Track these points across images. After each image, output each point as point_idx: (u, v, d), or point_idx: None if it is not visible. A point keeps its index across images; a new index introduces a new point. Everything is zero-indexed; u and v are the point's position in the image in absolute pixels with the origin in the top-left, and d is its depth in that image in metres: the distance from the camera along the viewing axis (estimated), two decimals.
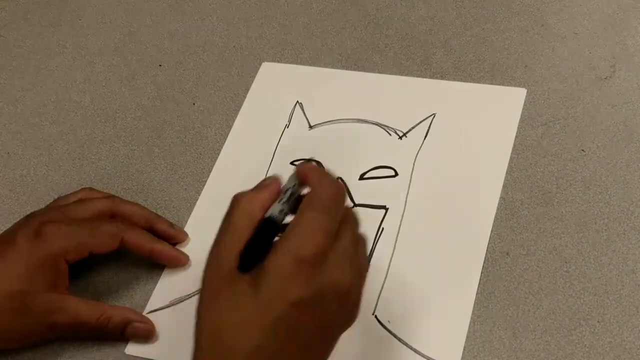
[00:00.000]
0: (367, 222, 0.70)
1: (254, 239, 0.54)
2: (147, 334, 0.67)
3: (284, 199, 0.55)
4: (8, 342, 0.67)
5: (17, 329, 0.65)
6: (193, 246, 0.72)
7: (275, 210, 0.55)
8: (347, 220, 0.55)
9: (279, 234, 0.54)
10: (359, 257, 0.55)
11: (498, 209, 0.70)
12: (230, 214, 0.55)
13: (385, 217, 0.71)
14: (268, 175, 0.76)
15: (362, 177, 0.74)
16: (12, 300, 0.64)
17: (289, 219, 0.55)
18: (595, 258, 0.66)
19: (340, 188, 0.55)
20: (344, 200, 0.55)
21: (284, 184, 0.57)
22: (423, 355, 0.63)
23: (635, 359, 0.61)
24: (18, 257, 0.65)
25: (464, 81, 0.79)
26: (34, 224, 0.67)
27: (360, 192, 0.73)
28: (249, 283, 0.51)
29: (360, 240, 0.56)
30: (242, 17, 0.90)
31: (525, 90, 0.77)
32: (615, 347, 0.62)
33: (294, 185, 0.56)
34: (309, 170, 0.56)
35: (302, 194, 0.56)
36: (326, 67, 0.84)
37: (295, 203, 0.55)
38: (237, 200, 0.56)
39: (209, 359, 0.52)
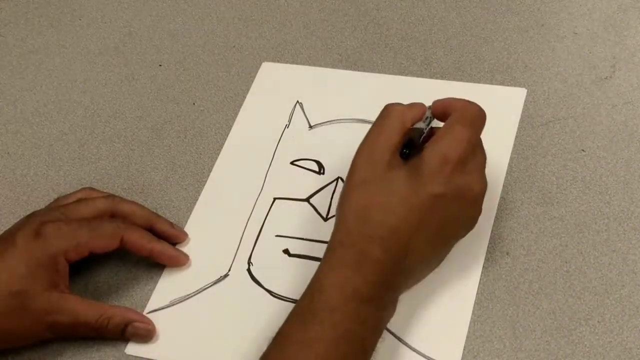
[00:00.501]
0: None
1: (408, 137, 0.63)
2: (147, 334, 0.67)
3: (427, 121, 0.65)
4: (8, 342, 0.67)
5: (17, 328, 0.65)
6: (193, 246, 0.72)
7: (421, 125, 0.65)
8: (482, 145, 0.64)
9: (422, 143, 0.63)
10: (484, 174, 0.64)
11: (498, 209, 0.70)
12: (384, 119, 0.64)
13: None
14: (268, 175, 0.76)
15: None
16: (12, 300, 0.64)
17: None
18: (595, 258, 0.66)
19: (483, 111, 0.64)
20: (484, 121, 0.64)
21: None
22: (423, 355, 0.63)
23: (635, 359, 0.61)
24: (18, 256, 0.65)
25: (464, 81, 0.79)
26: (34, 223, 0.67)
27: None
28: (403, 173, 0.61)
29: (485, 160, 0.65)
30: (242, 17, 0.90)
31: (526, 90, 0.77)
32: (615, 347, 0.62)
33: (430, 117, 0.65)
34: (448, 101, 0.65)
35: (434, 124, 0.65)
36: (326, 67, 0.84)
37: (430, 130, 0.65)
38: (390, 109, 0.65)
39: (354, 230, 0.60)
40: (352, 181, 0.62)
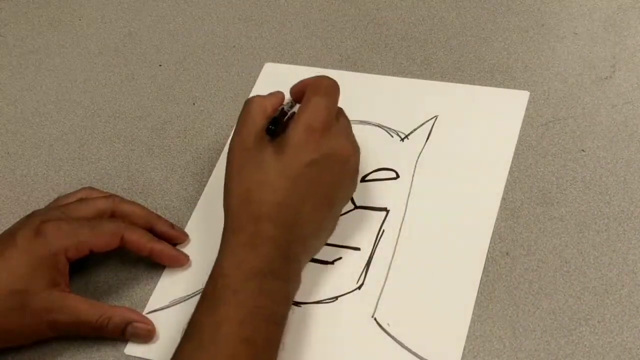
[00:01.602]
0: (368, 224, 0.71)
1: (277, 116, 0.67)
2: (147, 334, 0.67)
3: (288, 105, 0.69)
4: (8, 341, 0.67)
5: (18, 327, 0.65)
6: (193, 246, 0.72)
7: (284, 107, 0.69)
8: (341, 111, 0.69)
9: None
10: (353, 136, 0.68)
11: (498, 209, 0.70)
12: (247, 109, 0.67)
13: (387, 220, 0.71)
14: None
15: (363, 179, 0.74)
16: (12, 299, 0.64)
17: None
18: (595, 258, 0.66)
19: (334, 81, 0.68)
20: (338, 90, 0.68)
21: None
22: (422, 359, 0.63)
23: (635, 359, 0.61)
24: (18, 255, 0.65)
25: (463, 81, 0.80)
26: (34, 222, 0.67)
27: (361, 194, 0.73)
28: (272, 150, 0.64)
29: (350, 124, 0.69)
30: (242, 17, 0.90)
31: (528, 93, 0.77)
32: (615, 347, 0.62)
33: (291, 101, 0.70)
34: (304, 80, 0.69)
35: (295, 110, 0.68)
36: (326, 66, 0.84)
37: (292, 114, 0.68)
38: (250, 100, 0.68)
39: (241, 214, 0.63)
40: (229, 171, 0.65)
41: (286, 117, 0.68)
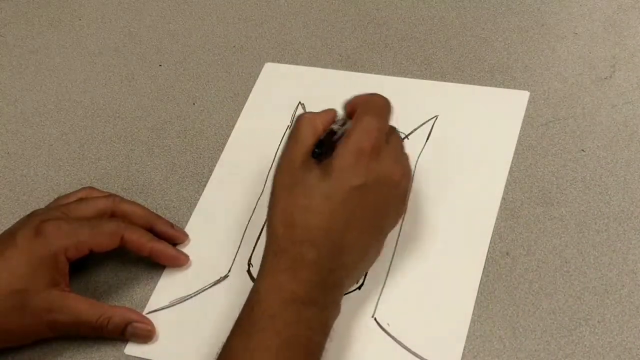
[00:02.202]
0: None
1: (326, 136, 0.65)
2: (146, 335, 0.67)
3: (340, 123, 0.66)
4: (8, 341, 0.67)
5: (17, 327, 0.65)
6: (193, 247, 0.72)
7: (334, 127, 0.66)
8: (393, 130, 0.66)
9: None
10: (405, 158, 0.66)
11: (498, 209, 0.70)
12: (297, 127, 0.65)
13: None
14: (269, 177, 0.76)
15: None
16: (12, 299, 0.64)
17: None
18: (595, 258, 0.66)
19: (387, 100, 0.66)
20: (391, 108, 0.65)
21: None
22: (422, 359, 0.63)
23: (635, 359, 0.61)
24: (18, 255, 0.65)
25: (463, 81, 0.80)
26: (34, 222, 0.67)
27: None
28: (319, 174, 0.62)
29: (402, 144, 0.67)
30: (242, 17, 0.90)
31: (528, 93, 0.77)
32: (615, 347, 0.62)
33: (344, 118, 0.67)
34: (356, 97, 0.66)
35: (348, 126, 0.65)
36: (326, 66, 0.84)
37: (343, 132, 0.65)
38: (302, 117, 0.66)
39: (284, 237, 0.61)
40: (275, 191, 0.63)
41: (335, 137, 0.65)
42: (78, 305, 0.66)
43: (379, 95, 0.66)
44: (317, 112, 0.66)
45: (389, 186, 0.63)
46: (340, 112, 0.67)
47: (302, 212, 0.61)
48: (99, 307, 0.67)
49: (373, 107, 0.64)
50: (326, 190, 0.61)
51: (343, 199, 0.61)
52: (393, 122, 0.77)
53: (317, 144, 0.64)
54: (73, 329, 0.66)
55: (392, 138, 0.65)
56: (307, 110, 0.80)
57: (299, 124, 0.65)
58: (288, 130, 0.79)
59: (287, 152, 0.64)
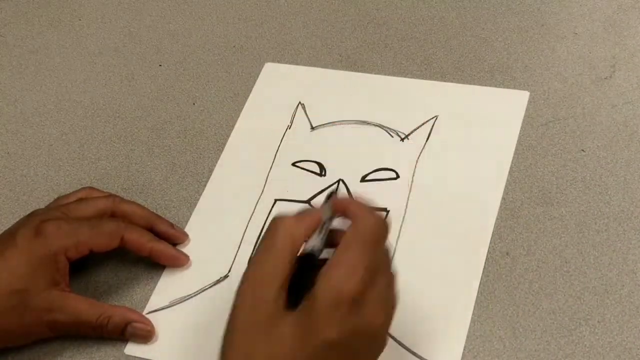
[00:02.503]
0: None
1: (297, 276, 0.54)
2: (146, 335, 0.67)
3: (322, 233, 0.56)
4: (8, 341, 0.67)
5: (17, 327, 0.65)
6: (193, 247, 0.72)
7: (315, 243, 0.56)
8: (385, 259, 0.56)
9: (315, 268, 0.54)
10: (391, 297, 0.56)
11: (498, 209, 0.70)
12: (273, 237, 0.55)
13: (387, 220, 0.71)
14: (269, 177, 0.76)
15: (363, 179, 0.74)
16: (12, 299, 0.64)
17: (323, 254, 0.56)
18: (595, 258, 0.66)
19: (384, 223, 0.56)
20: (386, 237, 0.56)
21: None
22: (422, 359, 0.63)
23: (635, 359, 0.61)
24: (18, 255, 0.65)
25: (463, 81, 0.80)
26: (34, 222, 0.67)
27: (361, 194, 0.73)
28: (289, 320, 0.53)
29: (393, 278, 0.57)
30: (242, 17, 0.90)
31: (528, 93, 0.77)
32: (615, 347, 0.62)
33: (329, 218, 0.57)
34: (349, 203, 0.57)
35: (333, 227, 0.56)
36: (326, 66, 0.84)
37: (327, 237, 0.56)
38: (280, 223, 0.55)
39: None
40: (235, 323, 0.54)
41: (316, 260, 0.55)
42: (78, 305, 0.66)
43: (374, 215, 0.56)
44: (297, 217, 0.56)
45: (367, 336, 0.54)
46: (325, 212, 0.57)
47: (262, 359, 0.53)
48: (99, 306, 0.67)
49: (363, 235, 0.54)
50: (294, 343, 0.52)
51: (311, 354, 0.52)
52: (392, 122, 0.78)
53: (290, 284, 0.54)
54: (73, 328, 0.66)
55: (378, 275, 0.54)
56: (308, 110, 0.80)
57: (274, 235, 0.55)
58: (288, 131, 0.79)
59: (256, 273, 0.54)
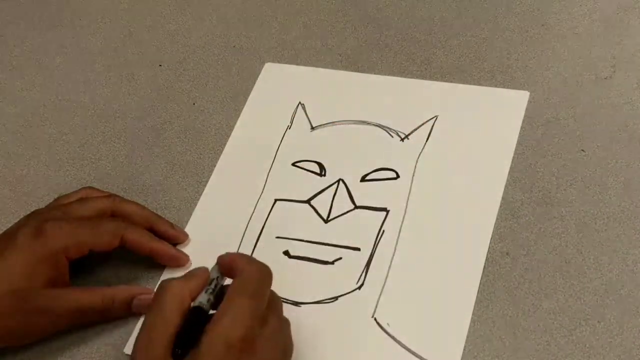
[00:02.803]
0: (368, 224, 0.71)
1: (185, 328, 0.56)
2: None
3: (210, 289, 0.59)
4: (9, 341, 0.67)
5: (18, 327, 0.65)
6: (193, 246, 0.72)
7: (203, 299, 0.58)
8: (272, 305, 0.58)
9: (205, 323, 0.56)
10: (284, 338, 0.59)
11: (498, 209, 0.70)
12: (160, 300, 0.57)
13: (386, 220, 0.71)
14: (269, 176, 0.76)
15: (363, 179, 0.74)
16: (13, 299, 0.64)
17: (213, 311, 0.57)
18: (595, 258, 0.66)
19: (265, 271, 0.58)
20: (270, 283, 0.58)
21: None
22: (422, 359, 0.63)
23: (636, 359, 0.61)
24: (18, 255, 0.65)
25: (463, 81, 0.79)
26: (35, 222, 0.67)
27: (361, 194, 0.73)
28: None
29: (285, 322, 0.60)
30: (242, 17, 0.90)
31: (528, 93, 0.77)
32: (615, 347, 0.62)
33: (218, 277, 0.60)
34: (232, 258, 0.60)
35: (224, 284, 0.59)
36: (326, 66, 0.84)
37: (220, 293, 0.58)
38: (166, 287, 0.58)
39: None
40: None
41: (204, 315, 0.57)
42: (80, 295, 0.66)
43: (258, 265, 0.59)
44: (186, 279, 0.59)
45: None
46: (213, 272, 0.60)
47: None
48: (100, 290, 0.67)
49: (249, 285, 0.57)
50: None
51: None
52: (392, 122, 0.78)
53: (176, 341, 0.55)
54: (78, 318, 0.67)
55: (269, 318, 0.57)
56: (308, 110, 0.80)
57: (162, 296, 0.57)
58: (288, 131, 0.79)
59: (145, 335, 0.56)
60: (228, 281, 0.60)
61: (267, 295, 0.58)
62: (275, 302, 0.59)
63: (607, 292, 0.64)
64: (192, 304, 0.58)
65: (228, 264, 0.60)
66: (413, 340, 0.64)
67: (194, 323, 0.56)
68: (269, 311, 0.57)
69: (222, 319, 0.55)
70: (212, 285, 0.59)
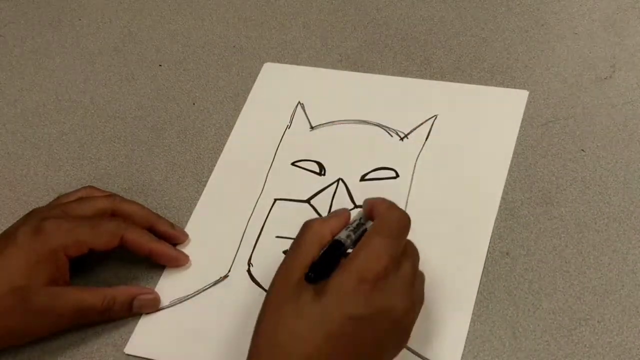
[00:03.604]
0: (369, 224, 0.71)
1: (322, 256, 0.57)
2: (154, 303, 0.68)
3: (352, 227, 0.60)
4: (9, 340, 0.67)
5: (18, 326, 0.65)
6: (193, 247, 0.72)
7: (343, 235, 0.59)
8: (409, 253, 0.59)
9: (344, 257, 0.57)
10: (416, 288, 0.59)
11: (498, 209, 0.70)
12: (301, 236, 0.59)
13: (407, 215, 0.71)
14: (269, 176, 0.76)
15: (363, 178, 0.74)
16: (13, 297, 0.64)
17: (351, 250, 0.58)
18: (595, 258, 0.66)
19: (406, 217, 0.59)
20: (408, 230, 0.59)
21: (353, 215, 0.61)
22: (422, 358, 0.63)
23: (635, 359, 0.61)
24: (18, 253, 0.65)
25: (463, 81, 0.80)
26: (35, 220, 0.67)
27: (361, 193, 0.73)
28: (313, 294, 0.55)
29: (420, 275, 0.60)
30: (242, 17, 0.90)
31: (527, 93, 0.77)
32: (615, 347, 0.62)
33: (361, 218, 0.60)
34: (376, 201, 0.60)
35: (367, 227, 0.60)
36: (326, 66, 0.84)
37: (361, 234, 0.59)
38: (308, 224, 0.60)
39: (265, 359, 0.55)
40: (264, 307, 0.58)
41: (343, 249, 0.58)
42: (80, 295, 0.66)
43: (399, 210, 0.59)
44: (327, 218, 0.61)
45: (389, 320, 0.56)
46: (354, 213, 0.62)
47: (288, 335, 0.55)
48: (101, 291, 0.67)
49: (387, 226, 0.58)
50: (318, 316, 0.55)
51: (335, 328, 0.54)
52: (392, 121, 0.78)
53: (311, 266, 0.57)
54: (78, 319, 0.67)
55: (404, 264, 0.58)
56: (307, 110, 0.80)
57: (303, 233, 0.59)
58: (288, 130, 0.79)
59: (285, 264, 0.58)
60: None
61: (403, 240, 0.59)
62: (412, 252, 0.59)
63: (607, 292, 0.64)
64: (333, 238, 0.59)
65: (370, 207, 0.60)
66: (413, 340, 0.64)
67: (331, 254, 0.58)
68: (404, 258, 0.58)
69: (359, 254, 0.56)
70: (354, 224, 0.60)
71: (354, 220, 0.61)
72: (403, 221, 0.59)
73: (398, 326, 0.57)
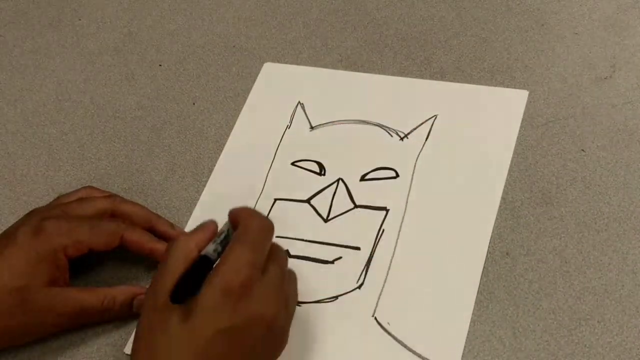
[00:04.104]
0: (368, 223, 0.71)
1: (188, 274, 0.57)
2: None
3: (218, 240, 0.59)
4: (9, 340, 0.67)
5: (18, 325, 0.65)
6: None
7: (209, 249, 0.58)
8: (274, 257, 0.59)
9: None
10: (285, 290, 0.59)
11: (498, 209, 0.70)
12: (167, 256, 0.58)
13: (386, 219, 0.71)
14: (269, 176, 0.76)
15: (363, 178, 0.74)
16: (13, 297, 0.64)
17: None
18: (595, 258, 0.66)
19: (267, 223, 0.60)
20: (271, 235, 0.59)
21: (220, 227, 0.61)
22: (423, 358, 0.63)
23: (635, 359, 0.61)
24: (18, 253, 0.65)
25: (463, 81, 0.80)
26: (34, 220, 0.67)
27: (361, 193, 0.73)
28: (181, 314, 0.55)
29: (290, 274, 0.61)
30: (242, 17, 0.90)
31: (527, 92, 0.77)
32: (615, 347, 0.62)
33: (228, 229, 0.60)
34: (239, 210, 0.60)
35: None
36: (326, 66, 0.84)
37: (228, 244, 0.58)
38: (172, 243, 0.59)
39: None
40: (138, 334, 0.57)
41: (210, 264, 0.58)
42: (80, 295, 0.66)
43: (260, 217, 0.60)
44: (192, 232, 0.60)
45: (262, 326, 0.56)
46: (221, 225, 0.61)
47: (162, 357, 0.55)
48: (101, 291, 0.67)
49: (248, 234, 0.58)
50: (186, 337, 0.54)
51: (204, 345, 0.54)
52: (392, 121, 0.78)
53: (176, 284, 0.56)
54: (78, 319, 0.67)
55: (270, 268, 0.58)
56: (307, 110, 0.80)
57: (170, 251, 0.58)
58: (288, 130, 0.79)
59: (151, 287, 0.58)
60: None
61: (267, 246, 0.59)
62: (277, 254, 0.60)
63: (607, 292, 0.64)
64: (200, 254, 0.59)
65: (233, 217, 0.60)
66: (413, 340, 0.64)
67: (198, 271, 0.57)
68: (269, 261, 0.58)
69: (221, 266, 0.56)
70: (222, 237, 0.59)
71: (222, 232, 0.60)
72: (264, 227, 0.59)
73: (272, 331, 0.57)
